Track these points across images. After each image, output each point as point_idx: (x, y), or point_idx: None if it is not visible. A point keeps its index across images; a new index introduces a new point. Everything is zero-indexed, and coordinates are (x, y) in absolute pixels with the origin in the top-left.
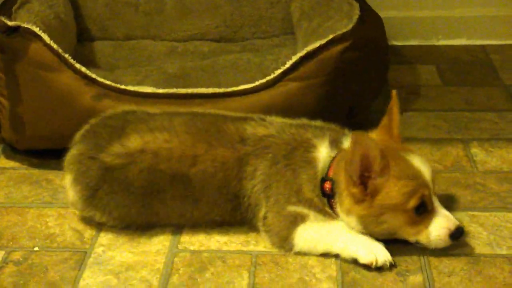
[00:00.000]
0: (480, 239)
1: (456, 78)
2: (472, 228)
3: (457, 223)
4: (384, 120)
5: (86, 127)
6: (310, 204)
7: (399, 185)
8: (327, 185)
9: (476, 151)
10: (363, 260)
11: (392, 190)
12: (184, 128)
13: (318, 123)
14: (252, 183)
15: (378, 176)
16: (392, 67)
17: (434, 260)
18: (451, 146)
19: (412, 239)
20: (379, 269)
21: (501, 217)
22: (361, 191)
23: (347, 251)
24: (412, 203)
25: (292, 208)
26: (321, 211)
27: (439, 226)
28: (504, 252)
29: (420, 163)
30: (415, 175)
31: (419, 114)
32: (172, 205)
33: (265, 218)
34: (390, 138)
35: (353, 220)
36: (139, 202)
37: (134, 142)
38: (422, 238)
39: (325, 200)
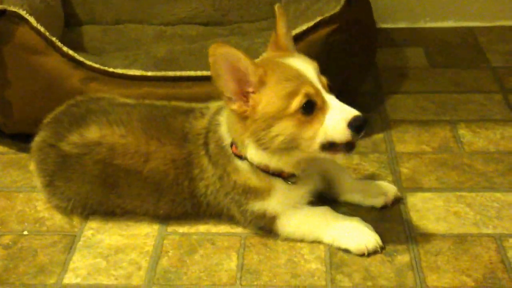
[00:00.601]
0: (467, 219)
1: (443, 60)
2: (459, 208)
3: (354, 113)
4: (272, 36)
5: (52, 113)
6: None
7: (276, 90)
8: (234, 148)
9: (463, 132)
10: (354, 251)
11: (271, 97)
12: (140, 124)
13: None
14: (204, 184)
15: (258, 89)
16: (380, 49)
17: (421, 240)
18: (439, 128)
19: (313, 146)
20: (370, 255)
21: (487, 197)
22: (240, 105)
23: (337, 243)
24: (295, 104)
25: (251, 207)
26: (263, 179)
27: (333, 119)
28: (490, 231)
29: (300, 63)
30: (294, 76)
31: (407, 96)
32: (130, 200)
33: (237, 220)
34: (280, 51)
35: (252, 149)
36: (97, 192)
37: (92, 133)
38: (320, 137)
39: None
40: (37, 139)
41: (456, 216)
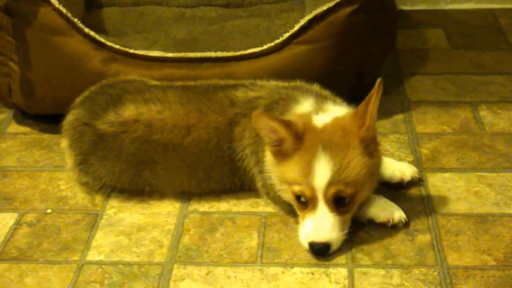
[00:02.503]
0: (487, 199)
1: (464, 42)
2: (480, 188)
3: (320, 239)
4: (360, 107)
5: (86, 93)
6: None
7: (292, 168)
8: None
9: (484, 113)
10: (379, 219)
11: (289, 167)
12: (177, 99)
13: (312, 86)
14: (242, 144)
15: (288, 153)
16: (401, 31)
17: (442, 220)
18: (459, 109)
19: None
20: (394, 227)
21: (508, 178)
22: (275, 151)
23: (363, 212)
24: (293, 189)
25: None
26: None
27: (306, 228)
28: (511, 211)
29: (323, 165)
30: (307, 172)
31: (427, 78)
32: (164, 176)
33: (267, 193)
34: (358, 127)
35: (271, 176)
36: (130, 171)
37: (128, 111)
38: (299, 226)
39: None
40: (70, 117)
41: (477, 196)
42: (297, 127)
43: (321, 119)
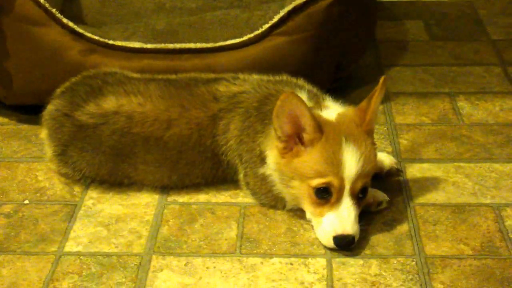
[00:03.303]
0: (465, 189)
1: (443, 33)
2: (457, 178)
3: (347, 231)
4: (363, 102)
5: (66, 84)
6: None
7: (314, 160)
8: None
9: (462, 104)
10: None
11: (308, 160)
12: (158, 93)
13: (300, 81)
14: (225, 137)
15: (307, 144)
16: (381, 23)
17: (420, 210)
18: (438, 100)
19: (309, 217)
20: (379, 205)
21: (486, 168)
22: (283, 147)
23: None
24: (315, 183)
25: (259, 170)
26: None
27: (329, 222)
28: (488, 201)
29: (351, 156)
30: (335, 162)
31: (407, 69)
32: (144, 169)
33: (247, 183)
34: (361, 121)
35: (275, 173)
36: (109, 163)
37: (109, 103)
38: (314, 224)
39: None
40: (50, 107)
41: (455, 186)
42: (318, 117)
43: (329, 115)
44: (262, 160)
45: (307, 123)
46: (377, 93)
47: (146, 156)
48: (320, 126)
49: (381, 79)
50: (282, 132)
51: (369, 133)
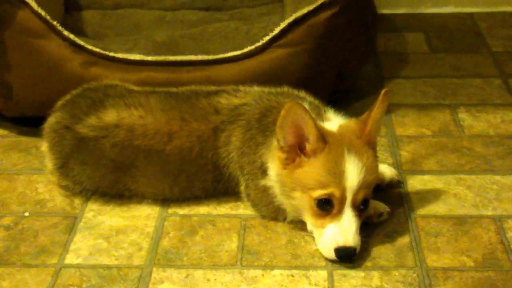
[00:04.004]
0: (466, 200)
1: (443, 45)
2: (458, 190)
3: (349, 243)
4: (364, 115)
5: (67, 96)
6: None
7: (317, 170)
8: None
9: (463, 116)
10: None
11: (309, 171)
12: (159, 106)
13: (302, 92)
14: (227, 149)
15: (309, 155)
16: (381, 34)
17: (421, 222)
18: (439, 112)
19: (310, 229)
20: (380, 216)
21: (487, 180)
22: (285, 158)
23: None
24: (317, 194)
25: (260, 182)
26: None
27: (331, 234)
28: (489, 213)
29: (353, 167)
30: (337, 173)
31: (407, 81)
32: (145, 182)
33: (248, 194)
34: (361, 132)
35: (276, 184)
36: (110, 176)
37: (110, 116)
38: (315, 235)
39: None
40: (52, 120)
41: (456, 198)
42: (321, 128)
43: (331, 126)
44: (264, 172)
45: (311, 133)
46: (378, 104)
47: (147, 169)
48: (323, 136)
49: (382, 92)
50: (285, 143)
51: (370, 144)
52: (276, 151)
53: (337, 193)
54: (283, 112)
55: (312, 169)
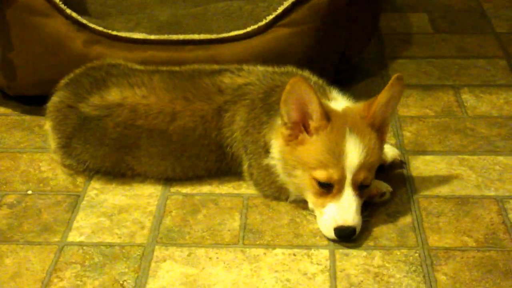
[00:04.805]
0: (469, 181)
1: (448, 26)
2: (461, 170)
3: (348, 223)
4: (372, 98)
5: (70, 75)
6: None
7: (318, 149)
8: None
9: (466, 96)
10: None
11: (311, 150)
12: (162, 85)
13: (306, 72)
14: (230, 129)
15: (312, 133)
16: (385, 15)
17: (423, 202)
18: (442, 92)
19: (311, 208)
20: (382, 196)
21: (490, 160)
22: (288, 134)
23: None
24: (317, 174)
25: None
26: None
27: (330, 213)
28: (492, 193)
29: (354, 147)
30: (337, 153)
31: (411, 61)
32: (148, 162)
33: (251, 173)
34: (366, 113)
35: (278, 161)
36: (113, 155)
37: (113, 95)
38: (316, 214)
39: None
40: (55, 99)
41: (458, 178)
42: (325, 105)
43: (336, 106)
44: (267, 151)
45: (314, 110)
46: (387, 88)
47: (150, 148)
48: (327, 113)
49: (394, 76)
50: (288, 119)
51: (374, 126)
52: (279, 129)
53: (335, 173)
54: (287, 87)
55: (313, 148)
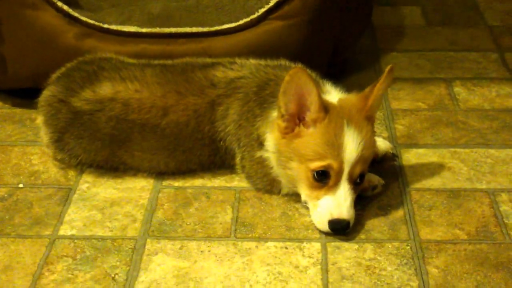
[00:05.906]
0: (460, 174)
1: (440, 19)
2: (453, 163)
3: (343, 216)
4: (367, 89)
5: (62, 69)
6: None
7: (316, 141)
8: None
9: (458, 89)
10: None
11: (308, 141)
12: (155, 79)
13: (299, 65)
14: (224, 123)
15: (309, 125)
16: (377, 8)
17: (415, 195)
18: (434, 85)
19: (304, 200)
20: (374, 189)
21: (481, 153)
22: (285, 127)
23: None
24: (314, 165)
25: (256, 154)
26: None
27: (325, 206)
28: (483, 186)
29: (352, 140)
30: (336, 145)
31: (403, 54)
32: (141, 156)
33: (243, 166)
34: (362, 106)
35: (273, 153)
36: (105, 150)
37: (105, 89)
38: (310, 206)
39: None
40: (46, 93)
41: (450, 171)
42: (323, 98)
43: (331, 99)
44: (260, 143)
45: (313, 102)
46: (382, 80)
47: (142, 143)
48: (325, 105)
49: (387, 68)
50: (286, 110)
51: (370, 119)
52: (274, 121)
53: (335, 165)
54: (287, 78)
55: (311, 140)
